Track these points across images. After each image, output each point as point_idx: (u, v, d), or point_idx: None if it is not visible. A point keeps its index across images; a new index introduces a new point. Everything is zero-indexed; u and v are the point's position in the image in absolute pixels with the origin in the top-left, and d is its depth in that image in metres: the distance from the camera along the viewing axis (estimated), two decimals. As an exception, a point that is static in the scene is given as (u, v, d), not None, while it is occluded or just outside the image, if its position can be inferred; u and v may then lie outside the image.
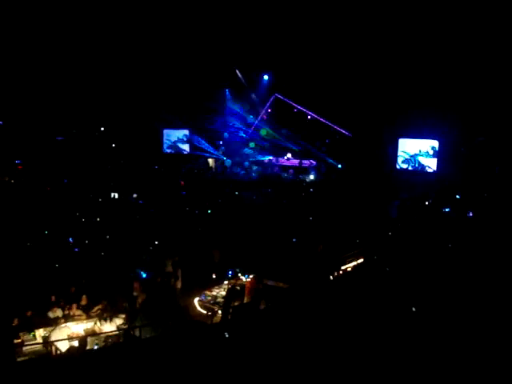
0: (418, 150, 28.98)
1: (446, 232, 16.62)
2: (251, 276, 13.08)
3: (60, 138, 31.95)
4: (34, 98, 29.50)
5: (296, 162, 32.60)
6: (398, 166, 29.68)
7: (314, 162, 31.88)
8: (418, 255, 13.39)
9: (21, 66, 27.38)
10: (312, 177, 30.88)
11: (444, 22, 22.49)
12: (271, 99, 33.12)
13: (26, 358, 9.23)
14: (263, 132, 33.08)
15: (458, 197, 22.67)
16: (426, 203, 22.68)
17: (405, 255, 13.96)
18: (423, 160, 28.90)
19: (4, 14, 23.93)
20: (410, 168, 29.24)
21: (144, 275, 13.66)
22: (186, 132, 35.14)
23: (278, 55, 27.90)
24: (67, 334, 10.02)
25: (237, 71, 32.45)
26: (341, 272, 14.46)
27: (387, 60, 25.54)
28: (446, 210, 21.27)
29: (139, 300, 11.94)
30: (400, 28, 23.70)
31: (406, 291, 10.08)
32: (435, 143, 28.32)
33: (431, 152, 28.57)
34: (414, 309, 8.85)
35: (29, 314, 10.48)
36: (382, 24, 23.94)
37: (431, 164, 28.64)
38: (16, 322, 10.14)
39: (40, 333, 10.09)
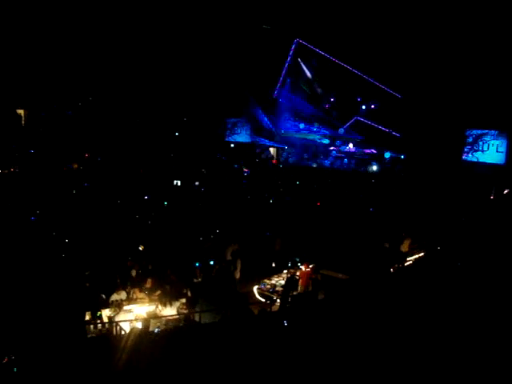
0: (485, 142, 27.77)
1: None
2: (310, 266, 13.06)
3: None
4: (104, 91, 30.69)
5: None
6: (463, 157, 28.56)
7: (376, 152, 31.26)
8: (482, 250, 12.91)
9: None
10: (375, 167, 30.29)
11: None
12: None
13: (93, 335, 9.68)
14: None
15: None
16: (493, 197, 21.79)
17: (468, 250, 13.50)
18: (490, 152, 27.66)
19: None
20: (475, 160, 28.06)
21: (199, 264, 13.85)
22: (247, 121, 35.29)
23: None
24: (131, 315, 10.40)
25: (299, 60, 32.31)
26: (401, 265, 14.19)
27: (455, 48, 24.70)
28: None
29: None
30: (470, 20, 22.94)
31: (467, 286, 9.78)
32: (504, 135, 27.07)
33: (500, 144, 27.30)
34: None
35: (96, 294, 10.95)
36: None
37: (499, 157, 27.38)
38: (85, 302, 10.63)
39: (106, 313, 10.52)
